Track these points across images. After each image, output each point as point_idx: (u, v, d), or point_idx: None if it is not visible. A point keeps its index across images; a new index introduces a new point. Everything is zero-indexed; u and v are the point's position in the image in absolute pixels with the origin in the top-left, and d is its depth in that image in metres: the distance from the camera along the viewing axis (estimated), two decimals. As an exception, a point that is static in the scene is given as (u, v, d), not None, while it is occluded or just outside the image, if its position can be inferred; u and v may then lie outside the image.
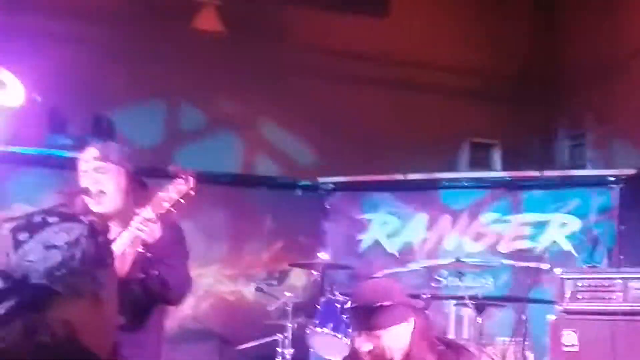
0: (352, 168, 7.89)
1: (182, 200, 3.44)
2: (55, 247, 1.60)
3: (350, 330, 3.18)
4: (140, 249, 3.44)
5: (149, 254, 3.43)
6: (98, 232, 1.69)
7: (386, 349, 3.04)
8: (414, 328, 3.09)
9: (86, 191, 3.64)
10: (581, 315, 4.88)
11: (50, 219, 1.66)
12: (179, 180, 3.44)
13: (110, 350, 1.69)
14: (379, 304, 3.01)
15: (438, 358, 3.09)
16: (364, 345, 3.05)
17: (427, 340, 3.13)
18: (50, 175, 6.60)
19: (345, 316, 6.15)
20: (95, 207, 3.67)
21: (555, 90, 8.46)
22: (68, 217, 1.69)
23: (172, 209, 3.43)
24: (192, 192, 3.44)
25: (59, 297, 1.58)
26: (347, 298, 6.28)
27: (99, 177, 3.65)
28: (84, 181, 3.67)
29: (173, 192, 3.44)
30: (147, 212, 3.41)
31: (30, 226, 1.66)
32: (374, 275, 6.27)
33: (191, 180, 3.44)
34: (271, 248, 7.80)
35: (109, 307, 1.70)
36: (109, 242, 1.75)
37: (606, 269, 6.16)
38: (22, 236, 1.62)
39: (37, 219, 1.66)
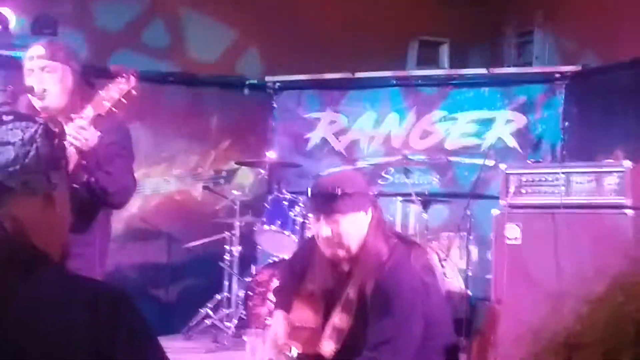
0: (300, 67, 7.82)
1: (124, 100, 3.38)
2: (9, 143, 1.61)
3: (310, 216, 3.25)
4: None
5: (84, 162, 3.39)
6: (53, 133, 1.69)
7: (343, 235, 3.12)
8: (371, 219, 3.17)
9: (30, 90, 3.57)
10: (524, 209, 4.96)
11: (5, 117, 1.66)
12: (120, 79, 3.38)
13: (61, 250, 1.70)
14: (339, 190, 3.09)
15: (390, 249, 3.17)
16: (323, 229, 3.14)
17: (382, 231, 3.21)
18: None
19: (293, 213, 6.22)
20: (38, 106, 3.61)
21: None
22: (23, 117, 1.70)
23: (114, 109, 3.38)
24: (134, 91, 3.38)
25: (10, 193, 1.60)
26: (295, 196, 6.36)
27: (44, 76, 3.57)
28: (28, 80, 3.59)
29: (114, 91, 3.38)
30: (82, 119, 3.35)
31: None
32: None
33: (132, 79, 3.38)
34: (218, 147, 7.76)
35: (62, 208, 1.71)
36: (63, 144, 1.75)
37: (550, 164, 6.25)
38: None
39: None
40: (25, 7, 6.84)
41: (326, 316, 3.24)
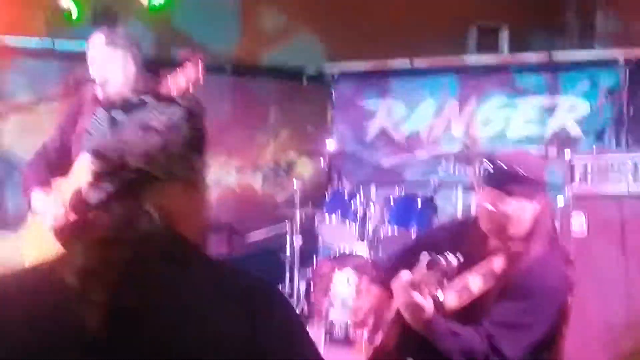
0: (359, 55, 7.77)
1: (192, 86, 3.38)
2: (153, 129, 1.52)
3: (482, 183, 3.11)
4: None
5: None
6: (195, 116, 1.61)
7: (506, 217, 3.01)
8: (539, 211, 3.06)
9: (92, 79, 3.60)
10: (590, 198, 4.85)
11: (147, 100, 1.57)
12: (187, 65, 3.38)
13: (201, 236, 1.62)
14: (517, 172, 2.96)
15: (548, 248, 3.08)
16: (488, 203, 3.03)
17: (546, 230, 3.10)
18: (54, 65, 6.53)
19: (353, 204, 6.18)
20: (102, 95, 3.64)
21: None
22: (166, 99, 1.60)
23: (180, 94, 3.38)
24: (201, 77, 3.38)
25: (155, 182, 1.50)
26: (355, 186, 6.33)
27: (106, 65, 3.59)
28: (91, 68, 3.63)
29: (181, 77, 3.38)
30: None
31: (127, 105, 1.56)
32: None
33: (200, 64, 3.38)
34: (278, 138, 7.76)
35: (203, 194, 1.63)
36: (204, 127, 1.66)
37: (615, 150, 6.11)
38: (118, 115, 1.54)
39: (134, 99, 1.57)
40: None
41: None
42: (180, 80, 3.39)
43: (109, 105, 1.54)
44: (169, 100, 1.60)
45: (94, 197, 1.48)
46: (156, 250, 1.45)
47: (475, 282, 2.96)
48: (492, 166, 3.02)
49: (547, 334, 3.04)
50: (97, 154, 1.51)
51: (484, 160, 3.09)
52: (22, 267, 1.55)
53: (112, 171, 1.48)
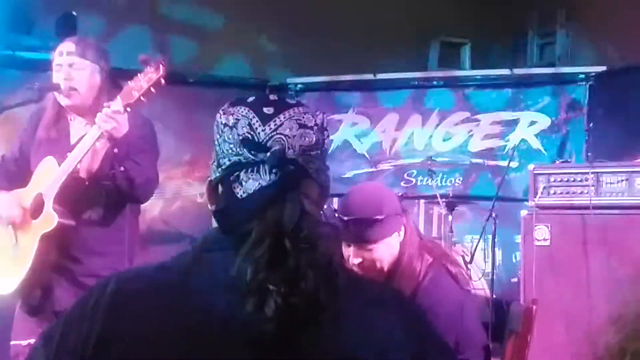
0: (321, 68, 7.78)
1: (153, 89, 3.34)
2: (307, 127, 1.50)
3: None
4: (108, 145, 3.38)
5: (115, 150, 3.37)
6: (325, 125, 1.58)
7: (376, 261, 2.98)
8: (404, 235, 3.02)
9: (57, 87, 3.55)
10: (553, 210, 4.89)
11: (289, 100, 1.55)
12: (149, 68, 3.35)
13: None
14: (370, 218, 2.91)
15: (426, 267, 3.02)
16: (354, 258, 2.98)
17: (415, 248, 3.05)
18: (16, 76, 6.45)
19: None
20: (64, 103, 3.59)
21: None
22: (301, 104, 1.57)
23: (142, 98, 3.34)
24: (163, 81, 3.35)
25: (309, 178, 1.48)
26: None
27: (73, 74, 3.55)
28: (56, 76, 3.57)
29: (143, 80, 3.34)
30: (116, 103, 3.33)
31: (272, 102, 1.53)
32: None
33: (161, 68, 3.34)
34: (240, 149, 7.72)
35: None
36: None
37: (578, 164, 6.17)
38: (268, 110, 1.51)
39: (273, 97, 1.55)
40: (50, 8, 6.85)
41: None
42: (142, 84, 3.35)
43: (253, 102, 1.53)
44: (312, 109, 1.57)
45: (249, 186, 1.47)
46: (320, 247, 1.42)
47: None
48: (345, 221, 2.94)
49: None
50: (247, 141, 1.49)
51: (334, 213, 3.05)
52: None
53: (274, 162, 1.46)
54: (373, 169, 7.69)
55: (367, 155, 7.81)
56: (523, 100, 7.46)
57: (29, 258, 3.43)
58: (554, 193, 4.93)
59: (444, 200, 6.48)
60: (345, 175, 7.77)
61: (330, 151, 7.54)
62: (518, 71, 7.58)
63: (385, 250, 2.97)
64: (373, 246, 2.94)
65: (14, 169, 3.77)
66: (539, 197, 4.94)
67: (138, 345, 1.36)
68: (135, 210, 3.73)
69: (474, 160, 7.49)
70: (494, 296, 5.93)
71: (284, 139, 1.47)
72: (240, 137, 1.49)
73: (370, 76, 7.78)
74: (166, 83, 3.40)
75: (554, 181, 4.96)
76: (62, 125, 3.66)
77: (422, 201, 7.14)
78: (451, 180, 7.48)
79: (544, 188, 4.96)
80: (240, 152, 1.49)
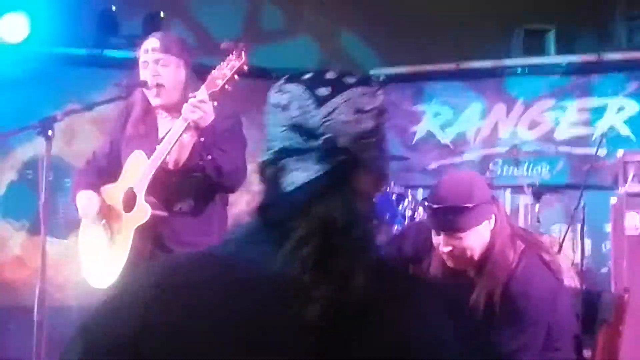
0: (404, 58, 7.75)
1: (236, 77, 3.38)
2: (364, 111, 1.38)
3: (430, 227, 3.06)
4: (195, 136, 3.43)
5: (202, 139, 3.41)
6: (385, 113, 1.47)
7: (467, 249, 2.96)
8: (495, 223, 2.98)
9: (144, 84, 3.61)
10: (644, 197, 4.79)
11: (349, 79, 1.43)
12: (231, 56, 3.38)
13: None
14: (460, 205, 2.88)
15: (519, 255, 3.00)
16: (444, 246, 2.97)
17: (507, 235, 3.02)
18: (103, 75, 6.59)
19: (402, 207, 6.15)
20: (153, 100, 3.65)
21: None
22: (365, 80, 1.45)
23: (227, 86, 3.38)
24: (246, 67, 3.38)
25: (361, 167, 1.38)
26: (403, 189, 6.29)
27: (159, 70, 3.60)
28: (143, 73, 3.64)
29: (226, 68, 3.38)
30: (201, 93, 3.38)
31: (329, 82, 1.41)
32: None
33: (243, 54, 3.37)
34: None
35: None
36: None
37: (668, 150, 6.00)
38: (323, 91, 1.39)
39: (331, 75, 1.41)
40: (137, 7, 6.99)
41: None
42: (226, 72, 3.39)
43: (308, 81, 1.40)
44: (368, 80, 1.47)
45: (297, 177, 1.37)
46: (373, 247, 1.36)
47: None
48: (435, 209, 2.93)
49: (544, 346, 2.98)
50: (296, 128, 1.39)
51: (426, 205, 3.02)
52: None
53: (322, 150, 1.37)
54: (457, 159, 7.63)
55: (451, 146, 7.75)
56: (611, 86, 7.28)
57: (125, 251, 3.50)
58: (645, 180, 4.84)
59: (530, 189, 6.39)
60: (430, 167, 7.73)
61: (413, 142, 7.69)
62: (605, 56, 7.40)
63: (476, 239, 2.95)
64: (463, 234, 2.92)
65: (105, 164, 3.86)
66: (629, 184, 4.85)
67: (177, 338, 1.28)
68: (224, 202, 3.78)
69: (561, 149, 7.35)
70: (584, 287, 5.81)
71: (338, 125, 1.36)
72: (292, 121, 1.39)
73: (453, 66, 7.71)
74: (250, 77, 3.44)
75: (645, 168, 4.86)
76: (150, 120, 3.73)
77: (507, 191, 7.05)
78: (537, 169, 7.36)
79: (635, 175, 4.87)
80: (291, 137, 1.39)
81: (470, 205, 2.87)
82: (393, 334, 1.29)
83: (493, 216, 2.98)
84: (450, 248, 2.96)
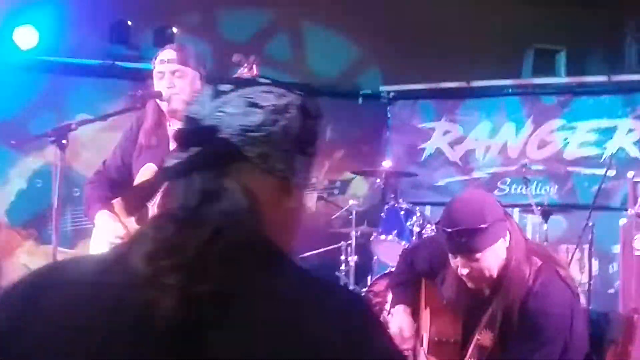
0: (415, 76, 7.77)
1: None
2: (257, 106, 1.36)
3: (446, 250, 3.07)
4: None
5: None
6: (310, 114, 1.43)
7: (484, 270, 2.96)
8: (510, 240, 2.99)
9: (159, 94, 3.60)
10: (654, 218, 4.79)
11: (262, 80, 1.43)
12: (242, 69, 3.39)
13: (289, 247, 1.40)
14: (474, 227, 2.87)
15: (535, 271, 3.00)
16: (462, 269, 2.98)
17: (522, 251, 3.03)
18: (114, 85, 6.62)
19: (410, 223, 6.15)
20: (168, 110, 3.65)
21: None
22: (282, 85, 1.43)
23: None
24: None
25: (245, 163, 1.33)
26: (411, 206, 6.30)
27: (175, 81, 3.59)
28: (158, 84, 3.63)
29: None
30: None
31: (237, 81, 1.42)
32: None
33: (255, 67, 3.38)
34: (332, 157, 7.77)
35: (298, 205, 1.42)
36: (316, 131, 1.46)
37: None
38: (224, 87, 1.39)
39: (247, 77, 1.45)
40: (147, 20, 7.02)
41: (465, 333, 3.15)
42: None
43: (222, 80, 1.41)
44: (285, 85, 1.43)
45: (173, 164, 1.35)
46: (237, 234, 1.28)
47: (485, 337, 2.99)
48: (449, 233, 2.93)
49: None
50: (188, 119, 1.39)
51: (440, 229, 3.01)
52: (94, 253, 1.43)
53: (200, 138, 1.35)
54: (466, 177, 7.63)
55: (459, 163, 7.75)
56: (621, 107, 7.29)
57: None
58: (655, 201, 4.83)
59: (539, 208, 6.38)
60: (438, 184, 7.74)
61: (422, 159, 7.70)
62: (615, 78, 7.41)
63: (493, 258, 2.95)
64: (479, 255, 2.92)
65: (115, 175, 3.85)
66: (639, 206, 4.84)
67: (42, 341, 1.26)
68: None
69: (570, 169, 7.35)
70: (590, 307, 5.80)
71: (226, 117, 1.35)
72: (188, 113, 1.40)
73: (463, 84, 7.73)
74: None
75: (654, 190, 4.85)
76: (161, 131, 3.72)
77: (516, 210, 7.04)
78: (546, 189, 7.36)
79: (644, 196, 4.86)
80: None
81: (484, 225, 2.87)
82: (256, 336, 1.22)
83: (507, 233, 2.98)
84: (468, 270, 2.97)
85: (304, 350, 1.21)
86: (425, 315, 3.37)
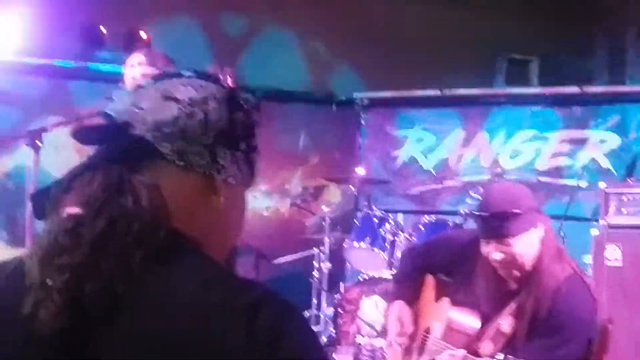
0: (388, 83, 7.79)
1: None
2: (174, 99, 1.30)
3: (480, 236, 3.14)
4: None
5: None
6: (238, 105, 1.37)
7: (517, 256, 3.02)
8: (543, 232, 3.06)
9: None
10: (626, 229, 4.82)
11: (185, 73, 1.36)
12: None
13: (223, 257, 1.36)
14: (509, 211, 2.94)
15: (566, 272, 3.08)
16: (494, 253, 3.04)
17: (554, 248, 3.11)
18: (89, 88, 6.59)
19: (383, 231, 6.16)
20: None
21: (595, 3, 8.25)
22: (206, 77, 1.37)
23: None
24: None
25: (158, 159, 1.28)
26: (385, 213, 6.31)
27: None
28: (129, 88, 3.67)
29: None
30: None
31: (158, 76, 1.37)
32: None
33: (229, 79, 3.40)
34: (306, 164, 7.78)
35: (230, 202, 1.35)
36: (250, 123, 1.38)
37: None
38: (146, 82, 1.35)
39: (171, 70, 1.36)
40: (120, 22, 6.99)
41: (484, 323, 3.18)
42: None
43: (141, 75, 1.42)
44: (211, 78, 1.38)
45: (80, 163, 1.29)
46: (135, 233, 1.21)
47: (508, 324, 3.03)
48: (484, 216, 3.02)
49: None
50: (104, 116, 1.33)
51: (475, 212, 3.11)
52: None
53: (113, 135, 1.29)
54: (439, 186, 7.66)
55: (433, 172, 7.78)
56: (593, 118, 7.34)
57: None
58: (626, 213, 4.86)
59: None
60: (411, 192, 7.76)
61: (396, 166, 7.71)
62: (587, 89, 7.47)
63: (526, 245, 3.01)
64: (512, 240, 2.98)
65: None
66: (610, 216, 4.88)
67: None
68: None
69: (542, 179, 7.39)
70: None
71: (136, 111, 1.29)
72: (107, 111, 1.33)
73: (437, 92, 7.76)
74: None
75: (626, 200, 4.89)
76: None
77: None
78: (518, 198, 7.38)
79: (616, 207, 4.90)
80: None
81: (518, 210, 2.94)
82: (149, 335, 1.17)
83: (541, 226, 3.05)
84: (501, 255, 3.03)
85: (195, 353, 1.15)
86: (437, 307, 3.42)
